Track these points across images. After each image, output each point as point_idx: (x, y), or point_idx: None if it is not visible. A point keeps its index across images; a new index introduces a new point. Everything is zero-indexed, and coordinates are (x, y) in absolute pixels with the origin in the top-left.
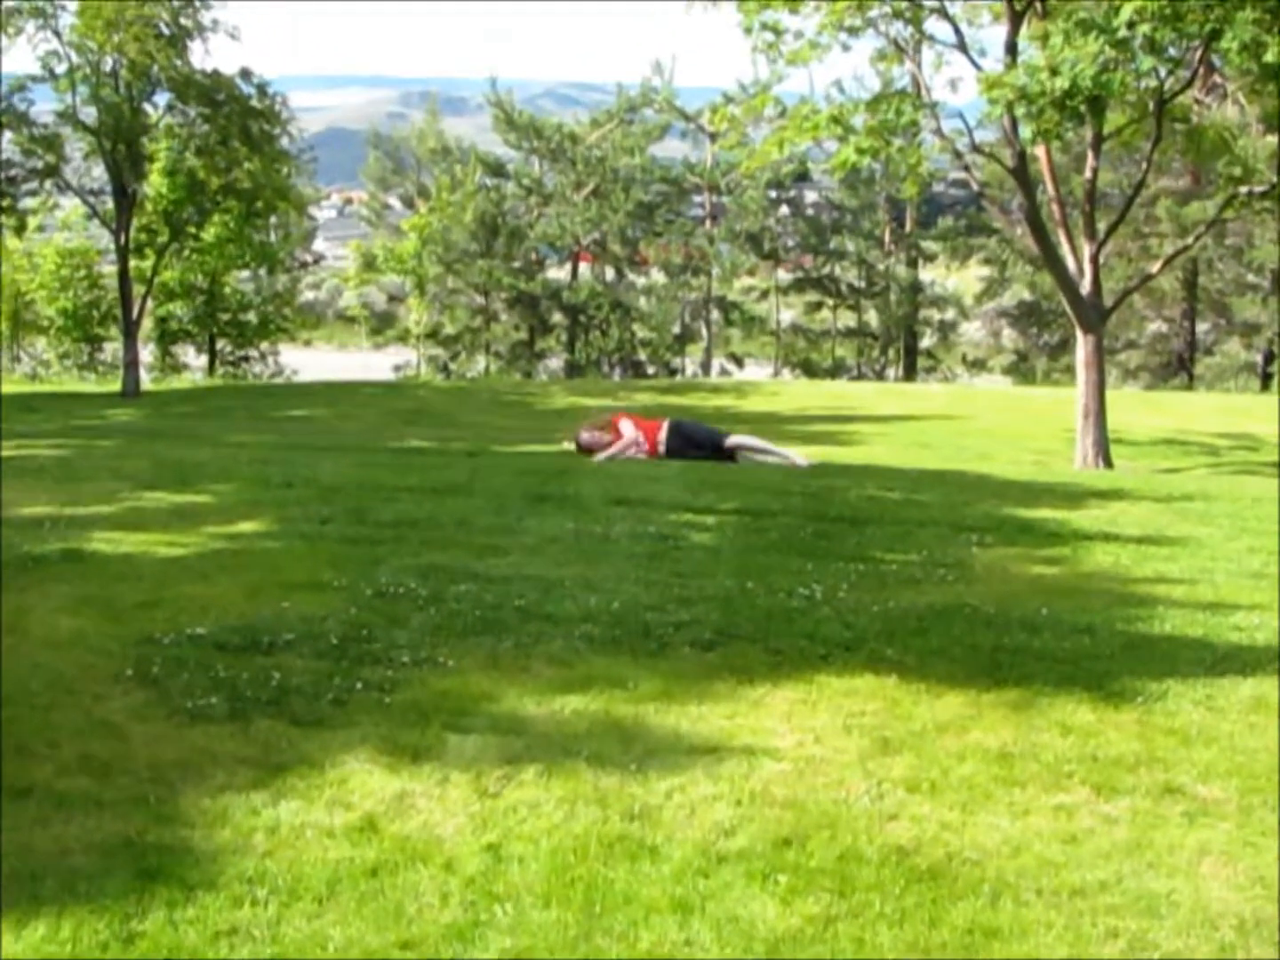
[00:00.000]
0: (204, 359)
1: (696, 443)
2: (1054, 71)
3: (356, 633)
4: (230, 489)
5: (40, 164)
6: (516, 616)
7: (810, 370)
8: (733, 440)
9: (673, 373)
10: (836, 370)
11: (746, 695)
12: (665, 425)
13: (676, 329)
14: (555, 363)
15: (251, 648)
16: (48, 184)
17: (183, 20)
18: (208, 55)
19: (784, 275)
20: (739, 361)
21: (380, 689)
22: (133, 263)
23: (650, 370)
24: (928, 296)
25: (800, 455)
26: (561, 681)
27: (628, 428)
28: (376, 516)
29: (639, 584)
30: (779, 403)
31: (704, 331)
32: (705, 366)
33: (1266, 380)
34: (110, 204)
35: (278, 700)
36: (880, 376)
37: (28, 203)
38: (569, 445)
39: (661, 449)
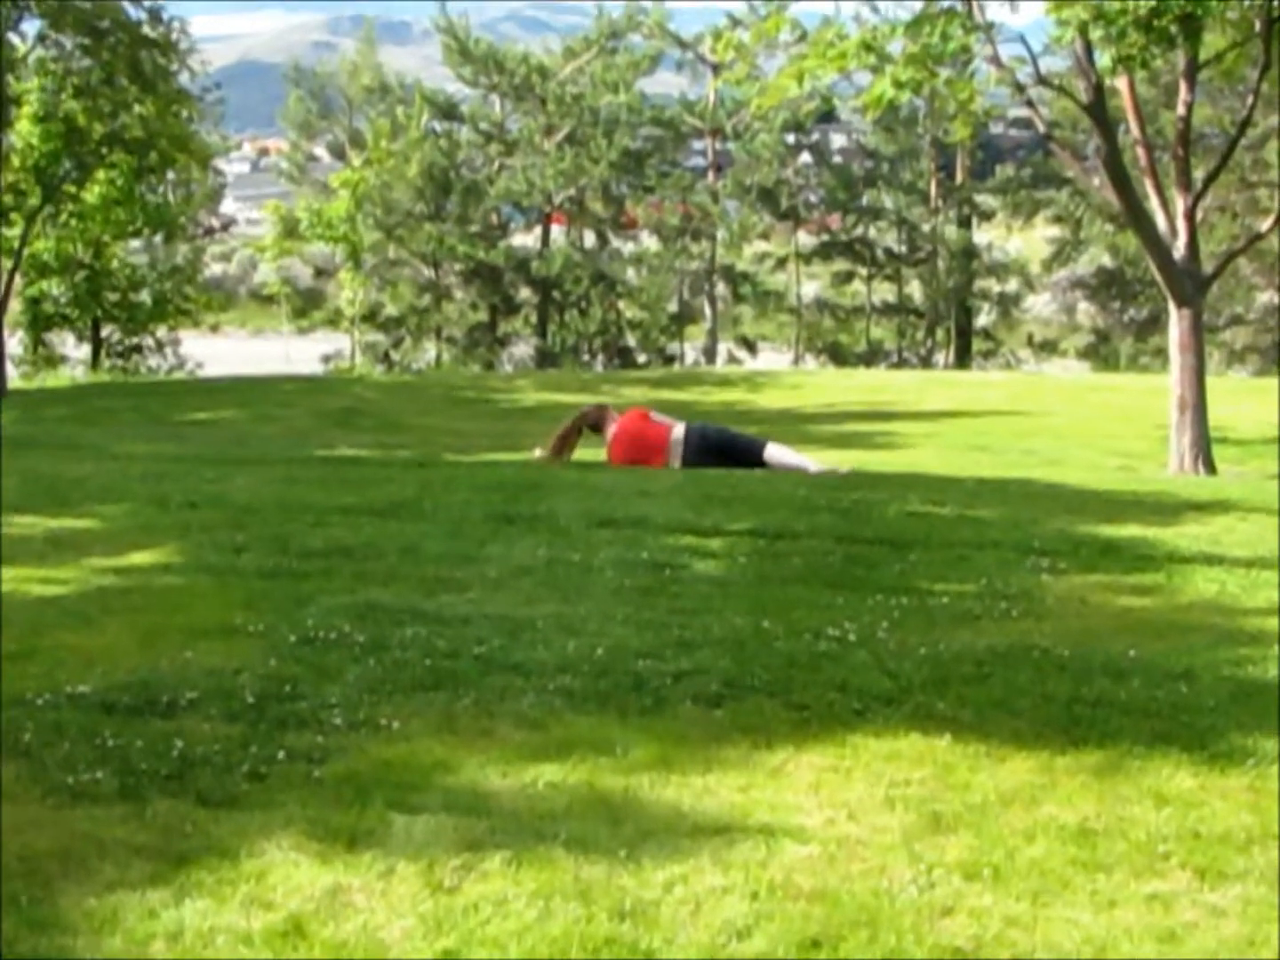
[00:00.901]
0: (86, 349)
1: (729, 454)
2: None
3: (278, 689)
4: (120, 511)
5: None
6: (477, 667)
7: (839, 356)
8: (774, 452)
9: (669, 361)
10: (872, 356)
11: (764, 762)
12: (676, 432)
13: (673, 307)
14: (523, 350)
15: (147, 709)
16: None
17: None
18: None
19: (806, 239)
20: (751, 346)
21: (308, 759)
22: None
23: (641, 358)
24: (984, 263)
25: (834, 466)
26: (534, 747)
27: (612, 422)
28: (302, 544)
29: (629, 625)
30: (801, 397)
31: (707, 310)
32: (709, 353)
33: None
34: None
35: (180, 774)
36: (926, 363)
37: None
38: (540, 454)
39: (674, 463)
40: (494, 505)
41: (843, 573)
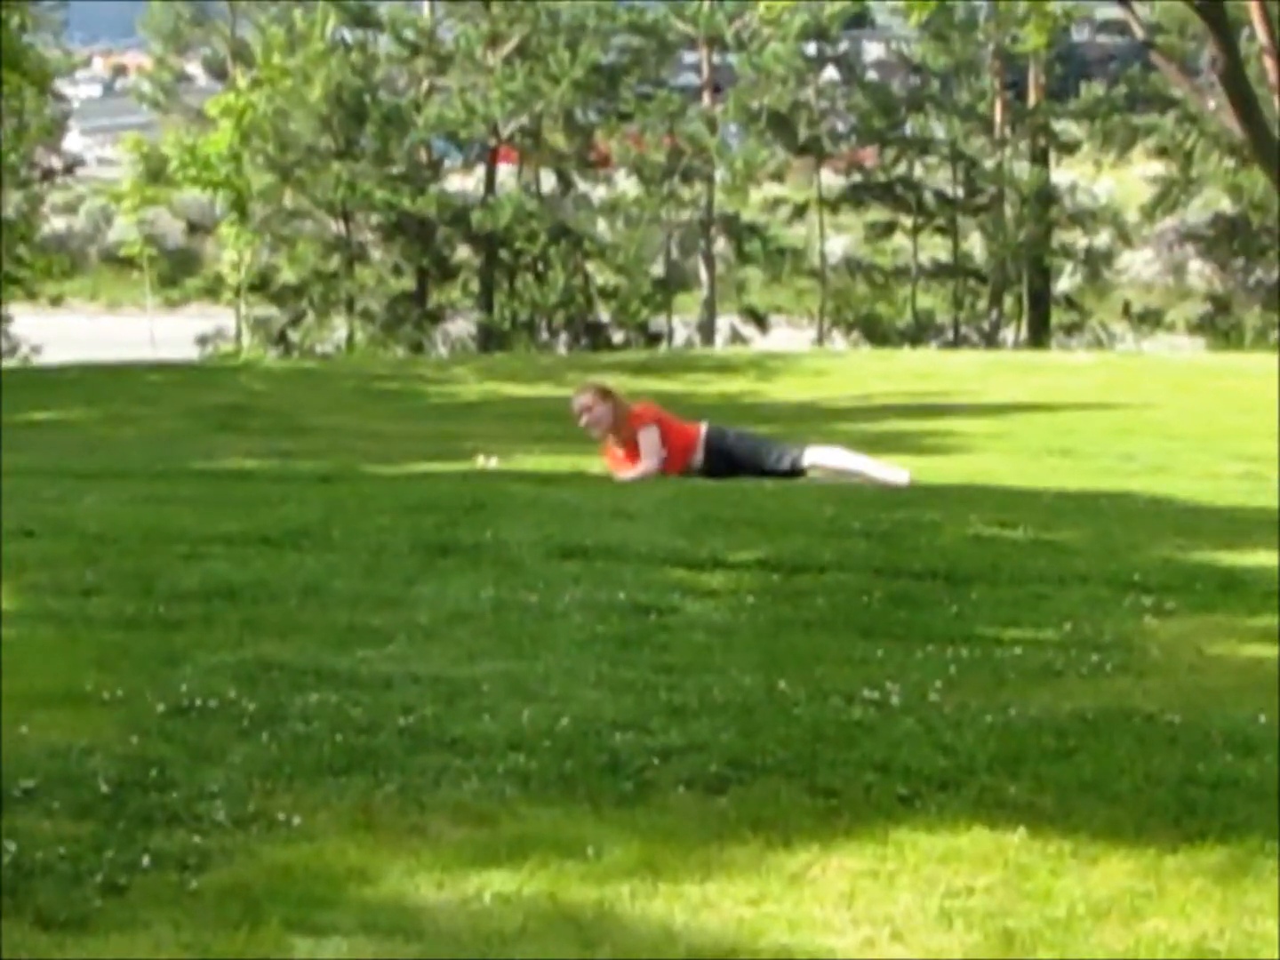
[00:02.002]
0: None
1: (755, 463)
2: None
3: (141, 774)
4: None
5: None
6: (403, 743)
7: (876, 333)
8: (814, 456)
9: (652, 340)
10: (919, 332)
11: (780, 865)
12: (701, 434)
13: (658, 270)
14: (461, 328)
15: None
16: None
17: None
18: None
19: (832, 179)
20: (761, 321)
21: (181, 865)
22: None
23: (617, 337)
24: (1066, 210)
25: (900, 471)
26: (478, 848)
27: (649, 440)
28: (173, 583)
29: (602, 686)
30: (826, 386)
31: (703, 274)
32: (706, 330)
33: None
34: None
35: (14, 888)
36: (991, 341)
37: None
38: (487, 462)
39: (696, 466)
40: (425, 531)
41: (882, 616)
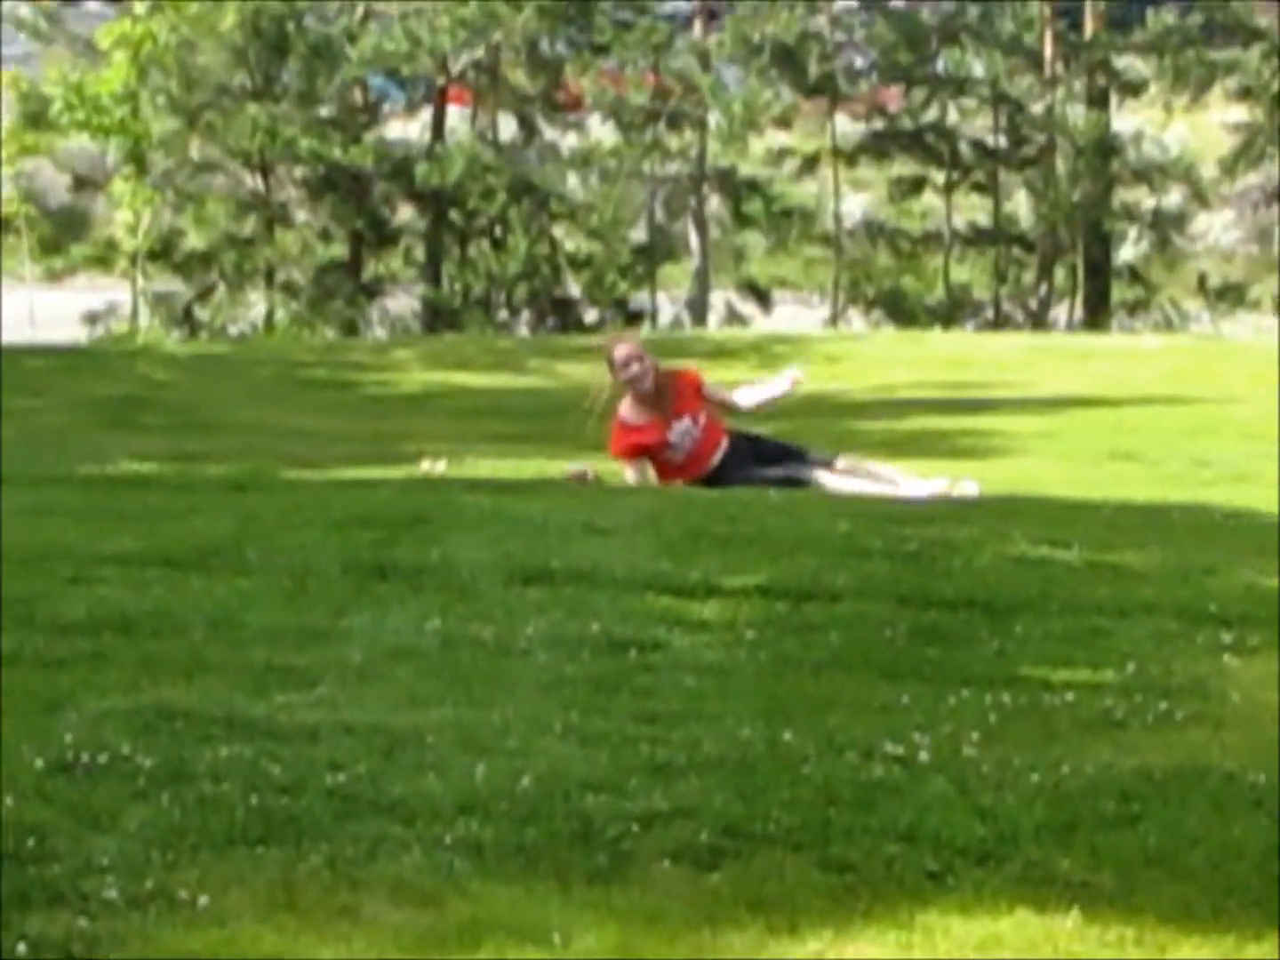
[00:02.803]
0: None
1: (782, 468)
2: None
3: (17, 845)
4: None
5: None
6: (332, 807)
7: (902, 311)
8: (849, 465)
9: (633, 319)
10: (953, 310)
11: (786, 955)
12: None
13: (639, 234)
14: (403, 303)
15: None
16: None
17: None
18: None
19: (848, 126)
20: (763, 296)
21: (65, 954)
22: None
23: (589, 316)
24: (1130, 164)
25: (966, 483)
26: (422, 935)
27: (682, 435)
28: (56, 613)
29: (571, 739)
30: (842, 375)
31: (693, 240)
32: (697, 307)
33: None
34: None
35: None
36: (1039, 321)
37: None
38: (433, 467)
39: (714, 463)
40: (359, 551)
41: (908, 654)
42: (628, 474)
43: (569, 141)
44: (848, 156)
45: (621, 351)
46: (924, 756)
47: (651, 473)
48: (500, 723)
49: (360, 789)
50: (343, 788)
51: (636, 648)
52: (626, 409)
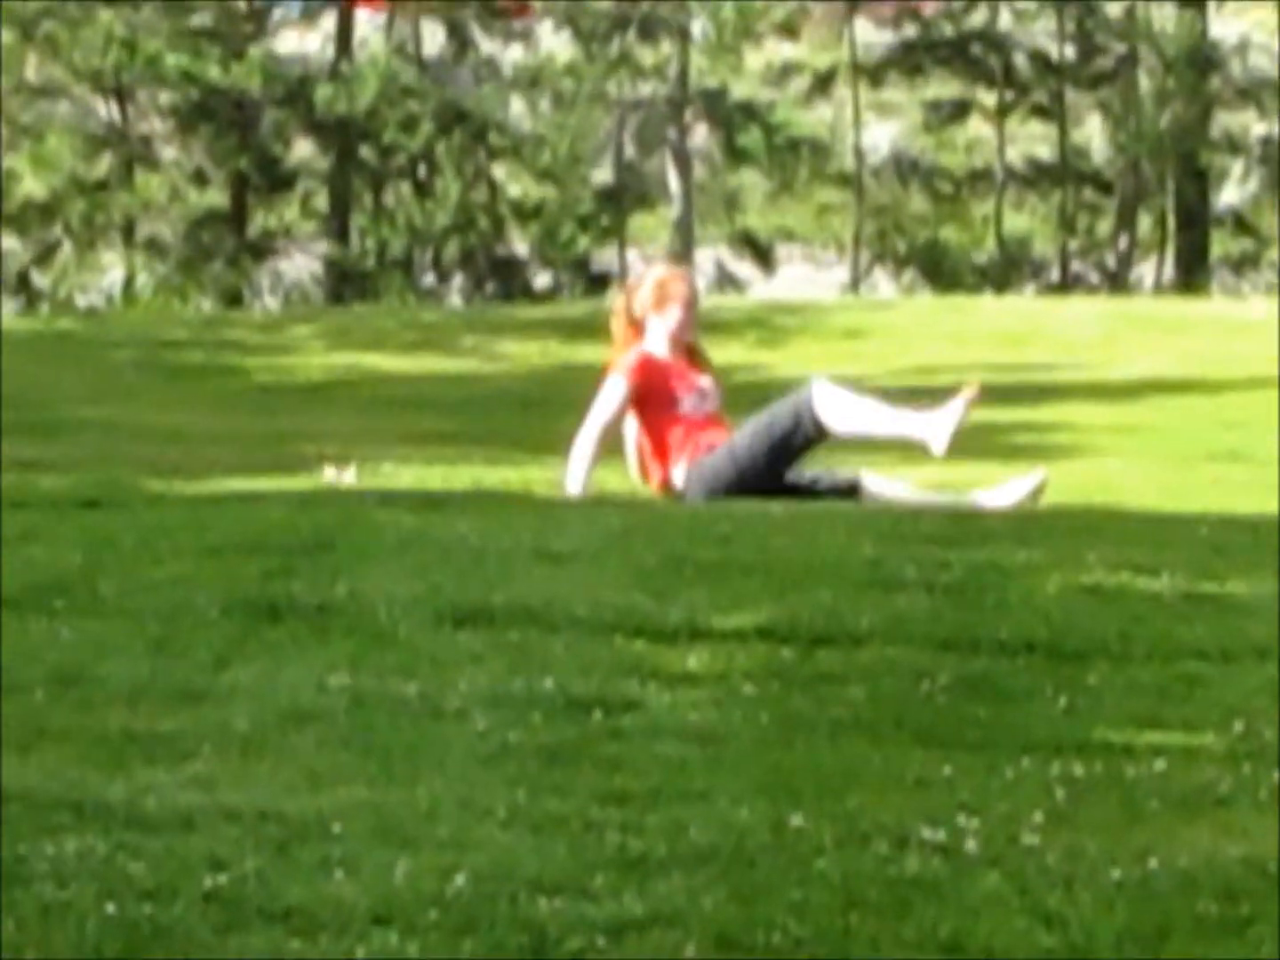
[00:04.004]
0: None
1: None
2: None
3: None
4: None
5: None
6: (210, 916)
7: (941, 270)
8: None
9: (596, 284)
10: (1007, 270)
11: None
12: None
13: (604, 174)
14: (300, 266)
15: None
16: None
17: None
18: None
19: (872, 35)
20: (763, 253)
21: None
22: None
23: (540, 281)
24: (1232, 80)
25: (1029, 480)
26: None
27: (712, 387)
28: None
29: (519, 825)
30: (865, 354)
31: (673, 181)
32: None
33: None
34: None
35: None
36: (1117, 283)
37: None
38: (340, 477)
39: (681, 480)
40: (244, 585)
41: (951, 714)
42: (614, 391)
43: (512, 56)
44: (871, 74)
45: (680, 286)
46: (971, 845)
47: (633, 435)
48: (427, 806)
49: (247, 893)
50: (224, 891)
51: (602, 708)
52: (655, 344)
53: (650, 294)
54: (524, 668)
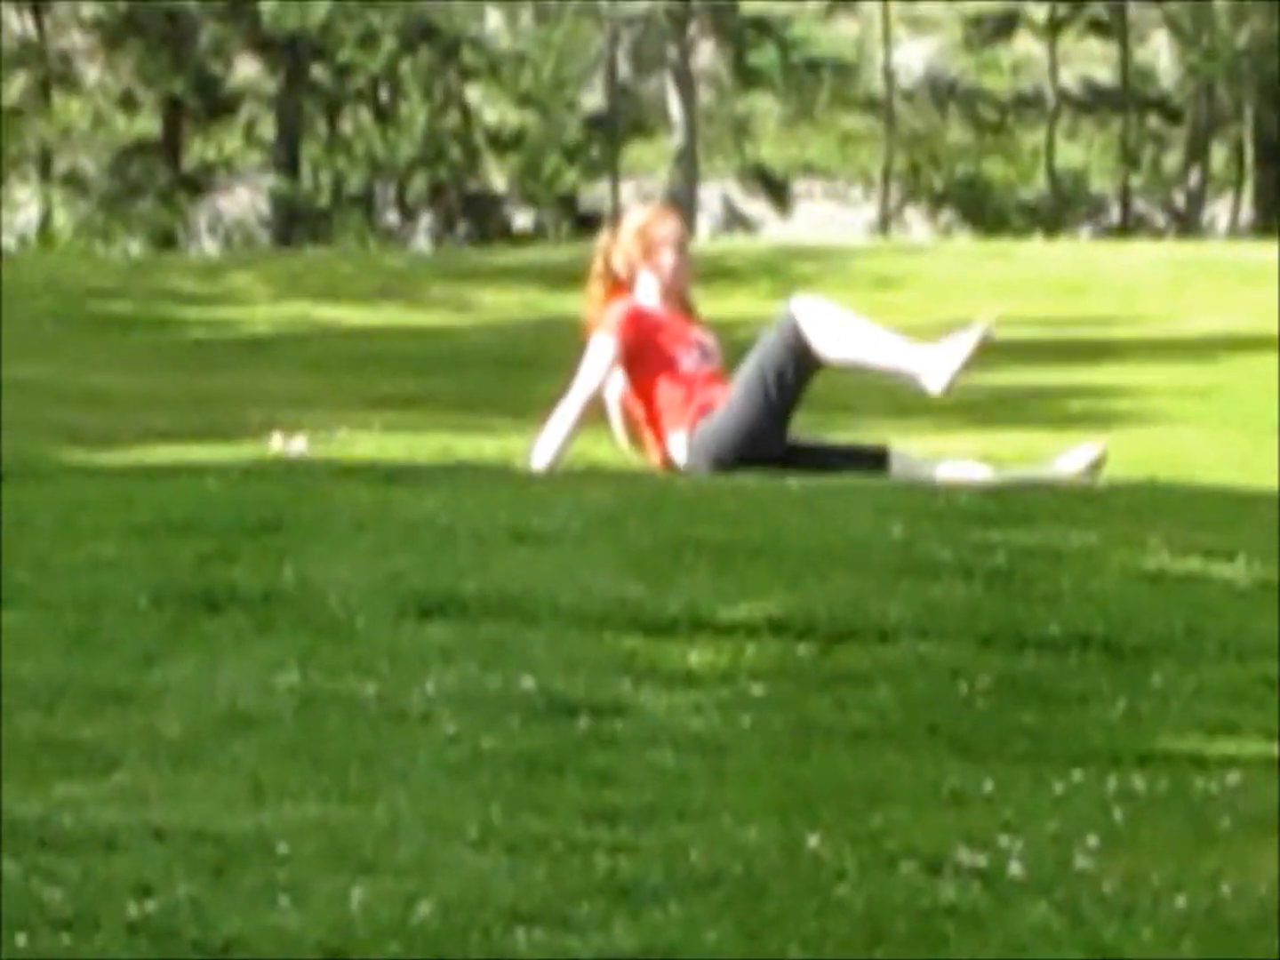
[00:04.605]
0: None
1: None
2: None
3: None
4: None
5: None
6: (136, 949)
7: (985, 210)
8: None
9: (584, 225)
10: (1061, 209)
11: None
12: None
13: (593, 98)
14: (243, 203)
15: None
16: None
17: None
18: None
19: None
20: (778, 189)
21: None
22: None
23: (520, 221)
24: None
25: (1087, 450)
26: None
27: (712, 341)
28: None
29: (493, 846)
30: (896, 306)
31: (674, 106)
32: (680, 204)
33: None
34: None
35: None
36: (1188, 225)
37: None
38: (288, 446)
39: (682, 451)
40: (177, 571)
41: (993, 719)
42: (602, 352)
43: None
44: None
45: (667, 227)
46: (1016, 870)
47: (619, 401)
48: (387, 823)
49: (179, 923)
50: (153, 921)
51: (589, 712)
52: (645, 294)
53: (634, 245)
54: (500, 665)
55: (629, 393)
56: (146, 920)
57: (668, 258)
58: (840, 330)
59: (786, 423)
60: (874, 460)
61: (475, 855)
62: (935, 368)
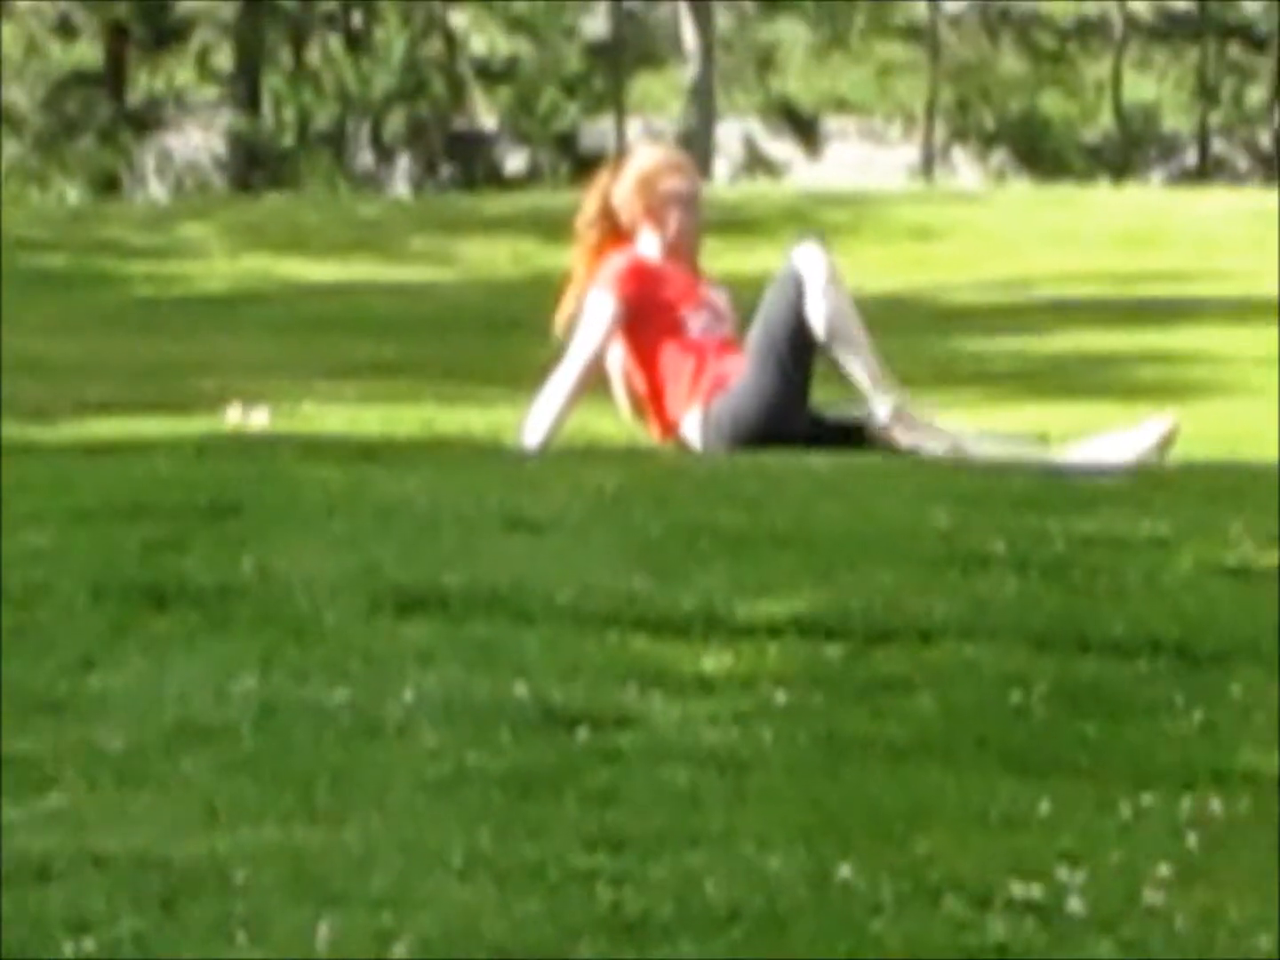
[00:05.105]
0: None
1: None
2: None
3: None
4: None
5: None
6: None
7: (1042, 153)
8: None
9: (585, 167)
10: (1129, 150)
11: None
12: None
13: (595, 25)
14: (195, 144)
15: None
16: None
17: None
18: None
19: None
20: (806, 127)
21: None
22: None
23: (512, 164)
24: None
25: (1156, 424)
26: None
27: (723, 302)
28: None
29: (480, 876)
30: (939, 259)
31: (687, 33)
32: (695, 145)
33: None
34: None
35: None
36: (1271, 169)
37: None
38: (247, 418)
39: (696, 429)
40: (121, 561)
41: (1050, 732)
42: (600, 311)
43: None
44: None
45: (676, 181)
46: (1076, 905)
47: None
48: (359, 850)
49: (124, 957)
50: (93, 959)
51: (590, 723)
52: (646, 247)
53: (635, 196)
54: (488, 669)
55: (632, 360)
56: (85, 959)
57: (673, 218)
58: (834, 303)
59: (807, 394)
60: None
61: (460, 886)
62: (887, 408)
